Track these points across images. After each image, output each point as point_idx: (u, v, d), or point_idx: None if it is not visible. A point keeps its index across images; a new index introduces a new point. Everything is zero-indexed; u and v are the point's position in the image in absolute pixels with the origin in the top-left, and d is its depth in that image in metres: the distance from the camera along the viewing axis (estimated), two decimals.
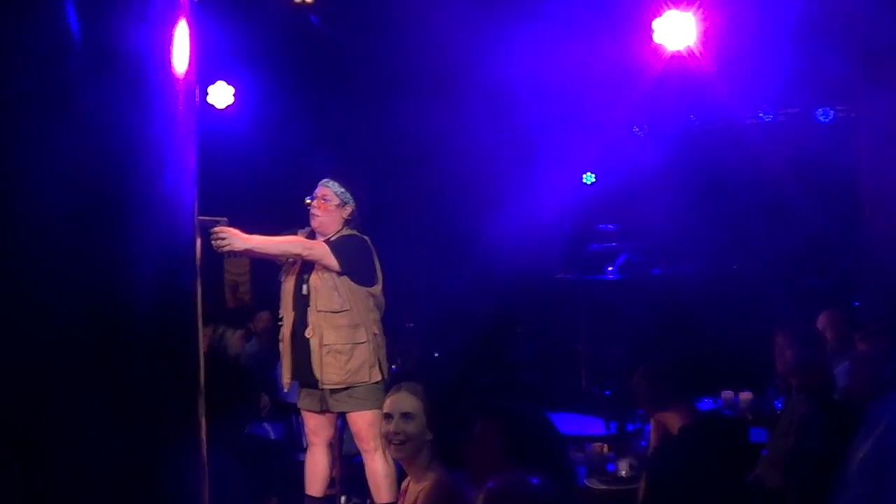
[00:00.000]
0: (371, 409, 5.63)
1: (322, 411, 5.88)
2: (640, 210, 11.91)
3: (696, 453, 4.27)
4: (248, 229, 5.58)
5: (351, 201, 5.88)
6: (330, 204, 5.83)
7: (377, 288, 5.91)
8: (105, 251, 1.95)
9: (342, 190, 5.86)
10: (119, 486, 1.96)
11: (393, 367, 8.40)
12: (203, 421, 2.27)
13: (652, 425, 4.77)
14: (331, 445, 6.12)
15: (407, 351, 9.82)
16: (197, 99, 2.30)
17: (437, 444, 4.11)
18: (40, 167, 1.86)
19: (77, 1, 1.90)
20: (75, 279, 1.90)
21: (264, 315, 9.20)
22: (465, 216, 11.39)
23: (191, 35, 2.21)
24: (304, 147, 10.26)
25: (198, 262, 2.26)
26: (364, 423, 5.73)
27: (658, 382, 4.50)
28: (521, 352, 11.35)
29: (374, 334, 5.84)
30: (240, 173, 10.28)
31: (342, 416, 6.00)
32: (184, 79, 2.16)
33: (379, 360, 5.84)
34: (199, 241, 2.28)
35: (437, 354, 10.54)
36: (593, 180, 12.81)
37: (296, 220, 6.02)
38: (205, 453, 2.26)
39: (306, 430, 6.22)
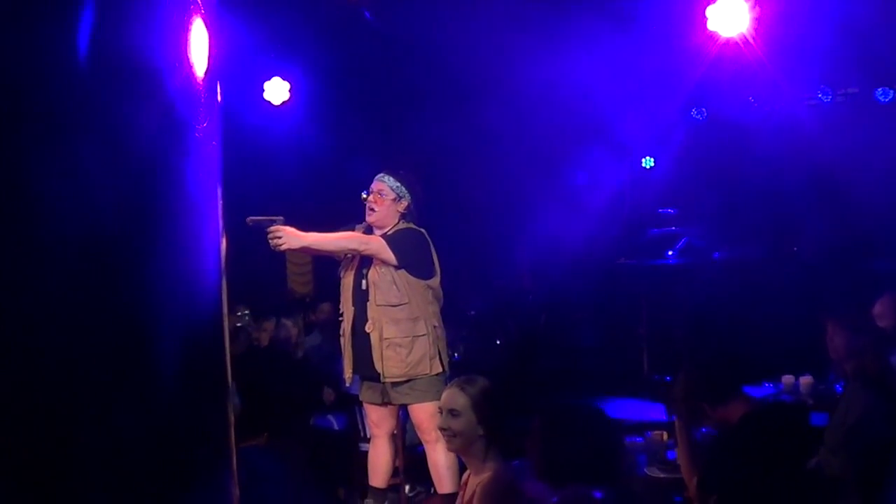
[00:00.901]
0: (432, 400, 5.61)
1: (384, 403, 5.91)
2: (701, 194, 11.81)
3: (757, 442, 4.23)
4: (305, 225, 5.61)
5: (406, 195, 5.88)
6: (386, 198, 5.84)
7: (435, 280, 5.91)
8: (128, 260, 1.95)
9: (398, 184, 5.86)
10: (147, 480, 1.99)
11: (455, 355, 8.43)
12: (231, 420, 2.29)
13: (677, 426, 4.68)
14: (393, 437, 6.15)
15: (468, 339, 9.82)
16: (219, 99, 2.29)
17: (491, 438, 4.08)
18: (60, 181, 1.86)
19: (89, 10, 1.90)
20: (100, 287, 1.91)
21: (326, 306, 9.22)
22: (525, 202, 11.38)
23: (210, 36, 2.17)
24: (360, 142, 10.29)
25: (223, 266, 2.26)
26: (425, 414, 5.74)
27: (712, 378, 4.46)
28: (582, 338, 11.31)
29: (434, 326, 5.85)
30: (297, 169, 10.34)
31: (404, 407, 6.02)
32: (203, 81, 2.14)
33: (439, 351, 5.85)
34: (224, 244, 2.29)
35: (498, 342, 10.53)
36: (653, 164, 12.70)
37: (353, 215, 6.05)
38: (234, 455, 2.28)
39: (368, 422, 6.26)
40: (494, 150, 11.13)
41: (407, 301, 5.75)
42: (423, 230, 5.93)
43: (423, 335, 5.77)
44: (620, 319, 11.38)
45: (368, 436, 6.37)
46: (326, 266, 6.90)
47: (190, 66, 2.09)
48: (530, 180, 11.34)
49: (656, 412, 7.44)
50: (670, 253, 11.38)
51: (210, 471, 2.18)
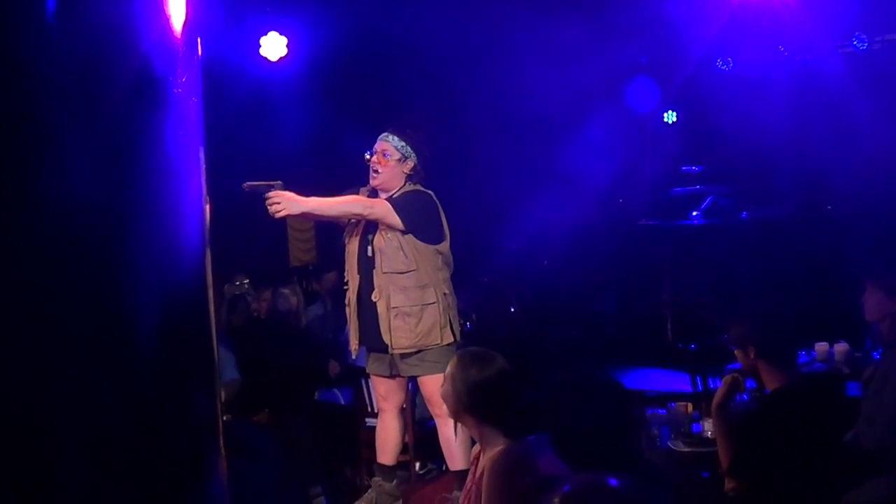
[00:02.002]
0: (443, 372, 5.55)
1: (392, 376, 5.86)
2: (726, 150, 11.72)
3: (791, 415, 4.19)
4: (306, 190, 5.55)
5: (412, 155, 5.80)
6: (390, 159, 5.76)
7: (445, 245, 5.83)
8: (103, 227, 1.94)
9: (402, 143, 5.78)
10: (129, 460, 1.99)
11: (467, 324, 8.39)
12: (219, 394, 2.29)
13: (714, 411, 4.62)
14: (402, 411, 6.11)
15: (481, 307, 9.80)
16: (199, 51, 2.24)
17: (477, 419, 4.04)
18: (29, 145, 1.84)
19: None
20: (74, 259, 1.89)
21: (331, 275, 9.20)
22: (541, 161, 11.31)
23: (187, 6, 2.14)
24: (363, 100, 10.21)
25: (207, 233, 2.23)
26: (435, 387, 5.62)
27: (773, 331, 4.39)
28: (602, 304, 11.30)
29: (444, 294, 5.79)
30: (296, 129, 10.26)
31: (413, 380, 5.97)
32: (180, 33, 2.10)
33: (450, 320, 5.79)
34: (208, 211, 2.26)
35: (513, 310, 10.50)
36: (675, 119, 12.58)
37: (356, 177, 5.98)
38: (221, 432, 2.27)
39: (376, 396, 6.22)
40: (509, 107, 11.06)
41: (415, 268, 5.68)
42: (430, 192, 5.85)
43: (433, 303, 5.71)
44: (642, 284, 11.36)
45: (376, 410, 6.33)
46: (330, 232, 6.86)
47: (166, 18, 2.05)
48: (546, 137, 11.28)
49: (680, 382, 7.41)
50: (695, 213, 11.33)
51: (195, 449, 2.18)
